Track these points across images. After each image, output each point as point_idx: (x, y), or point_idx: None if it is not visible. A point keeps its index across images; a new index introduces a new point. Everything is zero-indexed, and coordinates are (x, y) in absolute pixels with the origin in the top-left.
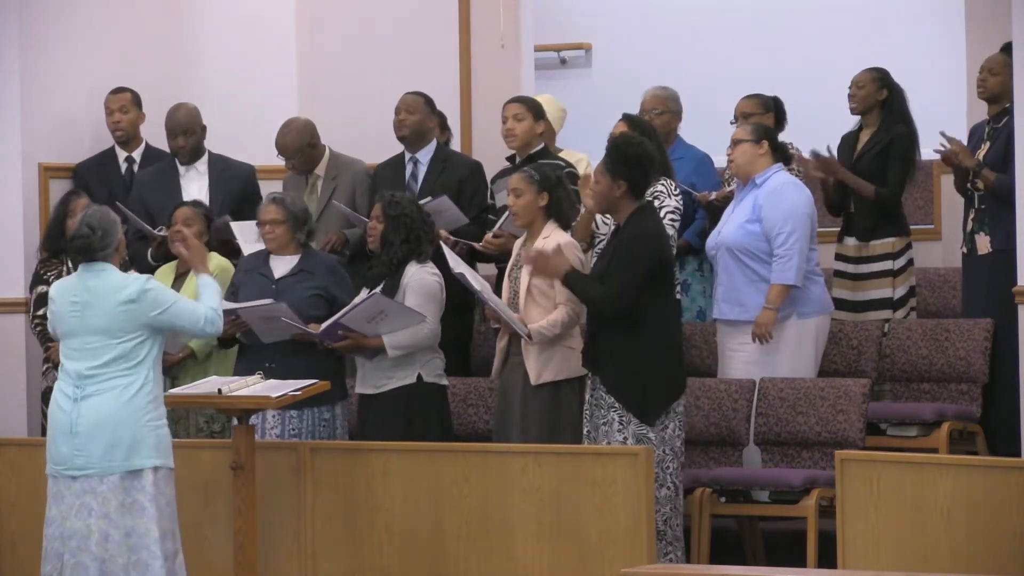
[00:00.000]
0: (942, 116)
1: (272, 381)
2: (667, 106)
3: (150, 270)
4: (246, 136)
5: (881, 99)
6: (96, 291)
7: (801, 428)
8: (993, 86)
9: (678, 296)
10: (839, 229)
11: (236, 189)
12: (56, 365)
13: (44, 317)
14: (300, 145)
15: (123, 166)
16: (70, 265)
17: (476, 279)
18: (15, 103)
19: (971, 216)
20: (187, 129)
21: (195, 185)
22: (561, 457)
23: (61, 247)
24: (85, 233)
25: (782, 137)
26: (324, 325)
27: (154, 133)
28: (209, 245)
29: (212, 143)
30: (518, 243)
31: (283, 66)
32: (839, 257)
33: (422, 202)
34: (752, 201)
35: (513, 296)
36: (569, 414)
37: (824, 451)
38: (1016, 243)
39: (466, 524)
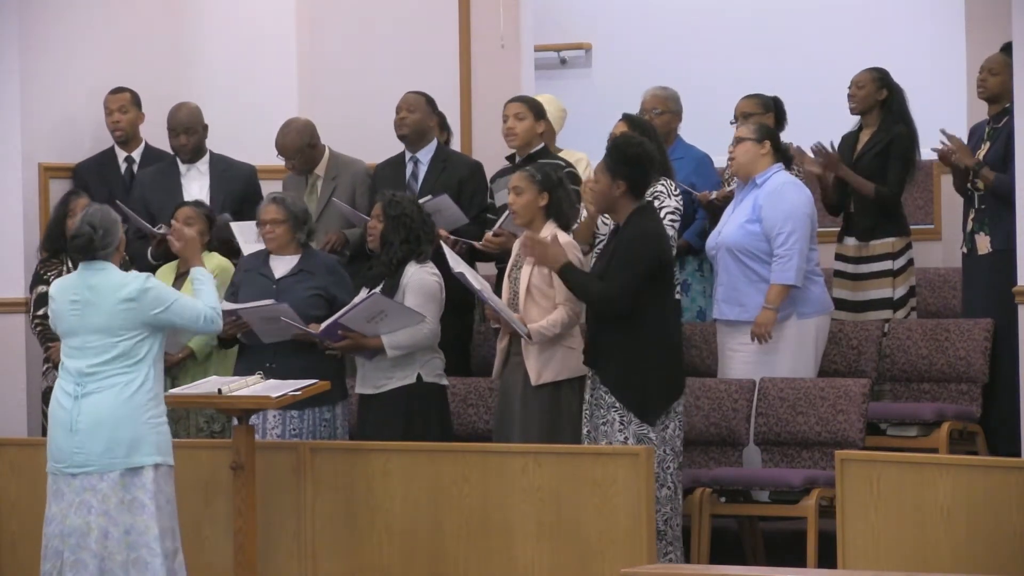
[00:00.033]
0: (942, 116)
1: (272, 381)
2: (667, 106)
3: (150, 269)
4: (246, 136)
5: (881, 99)
6: (96, 290)
7: (801, 428)
8: (993, 86)
9: (678, 296)
10: (839, 229)
11: (237, 189)
12: (56, 365)
13: (44, 317)
14: (300, 145)
15: (123, 166)
16: (70, 265)
17: (476, 279)
18: (15, 103)
19: (971, 216)
20: (189, 128)
21: (196, 185)
22: (561, 457)
23: (61, 247)
24: (86, 232)
25: (782, 137)
26: (324, 325)
27: (154, 133)
28: (210, 245)
29: (212, 143)
30: (518, 243)
31: (283, 66)
32: (839, 257)
33: (422, 201)
34: (752, 201)
35: (513, 296)
36: (569, 414)
37: (824, 451)
38: (1016, 243)
39: (466, 524)
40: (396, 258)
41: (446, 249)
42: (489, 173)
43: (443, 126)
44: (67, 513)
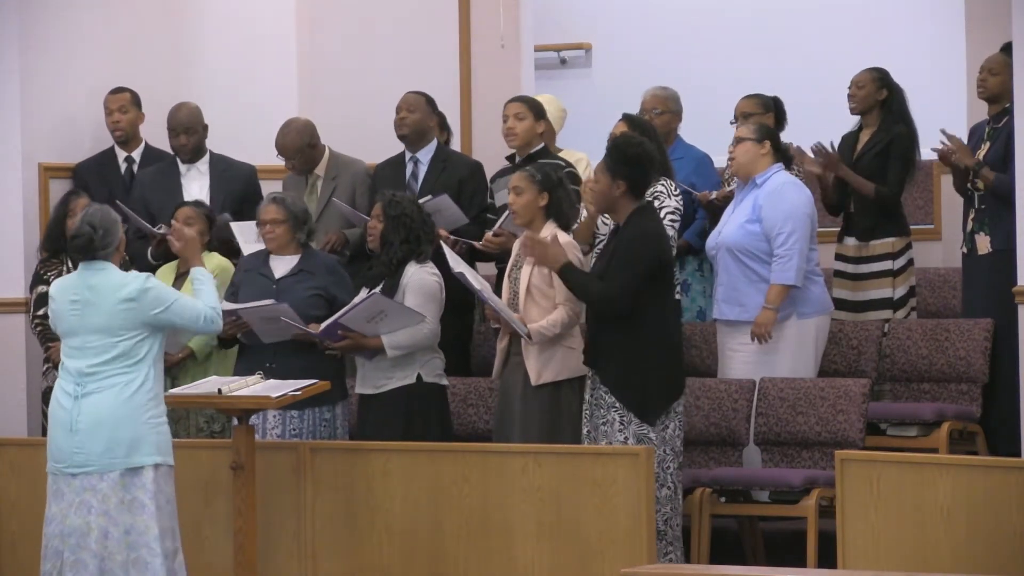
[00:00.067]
0: (942, 116)
1: (272, 381)
2: (667, 106)
3: (150, 269)
4: (246, 136)
5: (881, 99)
6: (96, 289)
7: (801, 428)
8: (993, 86)
9: (678, 296)
10: (839, 229)
11: (237, 189)
12: (56, 365)
13: (44, 317)
14: (300, 145)
15: (123, 166)
16: (70, 265)
17: (476, 279)
18: (15, 103)
19: (971, 216)
20: (189, 127)
21: (196, 185)
22: (561, 457)
23: (61, 247)
24: (86, 232)
25: (782, 137)
26: (323, 325)
27: (154, 133)
28: (210, 245)
29: (212, 143)
30: (518, 243)
31: (283, 66)
32: (839, 257)
33: (422, 201)
34: (752, 201)
35: (513, 296)
36: (569, 414)
37: (824, 451)
38: (1016, 243)
39: (466, 524)
40: (396, 258)
41: (446, 249)
42: (489, 173)
43: (443, 126)
44: (67, 513)
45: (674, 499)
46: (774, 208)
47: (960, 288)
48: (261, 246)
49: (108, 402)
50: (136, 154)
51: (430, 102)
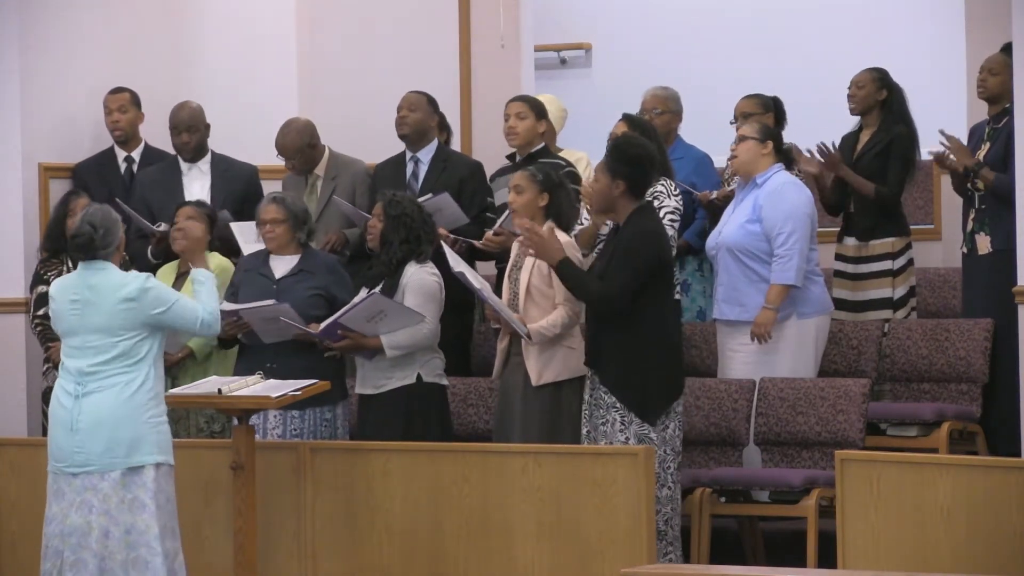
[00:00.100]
0: (942, 116)
1: (272, 381)
2: (667, 106)
3: (150, 268)
4: (246, 136)
5: (881, 99)
6: (96, 289)
7: (801, 428)
8: (993, 86)
9: (678, 296)
10: (839, 229)
11: (238, 189)
12: (56, 364)
13: (44, 317)
14: (300, 145)
15: (122, 166)
16: (70, 265)
17: (476, 278)
18: (15, 103)
19: (971, 216)
20: (191, 126)
21: (197, 184)
22: (561, 457)
23: (61, 247)
24: (87, 231)
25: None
26: (323, 325)
27: (154, 133)
28: (211, 244)
29: (212, 143)
30: (516, 243)
31: (283, 66)
32: (839, 257)
33: (422, 199)
34: (753, 201)
35: (513, 297)
36: (569, 414)
37: (824, 451)
38: (1016, 243)
39: (466, 524)
40: (396, 258)
41: (446, 249)
42: (489, 173)
43: (442, 126)
44: (67, 512)
45: (674, 499)
46: (774, 208)
47: (960, 288)
48: (261, 246)
49: (108, 401)
50: (136, 154)
51: (431, 102)
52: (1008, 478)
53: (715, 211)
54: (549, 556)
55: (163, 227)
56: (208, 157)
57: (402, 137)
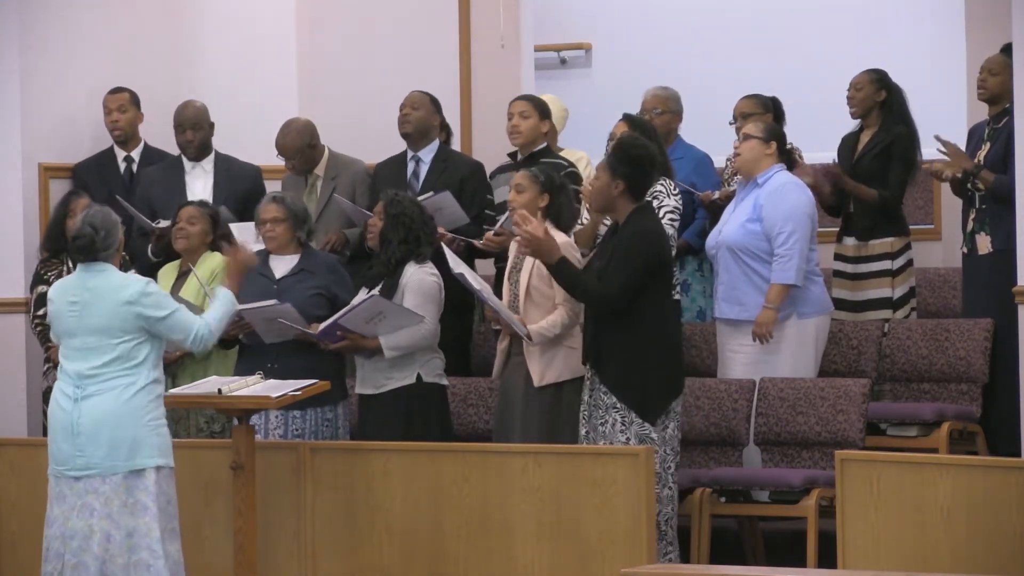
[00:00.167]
0: (942, 116)
1: (272, 381)
2: (667, 106)
3: (151, 266)
4: (246, 136)
5: (880, 100)
6: (96, 291)
7: (801, 428)
8: (993, 86)
9: (677, 296)
10: (838, 229)
11: (241, 189)
12: (57, 365)
13: (45, 317)
14: (300, 146)
15: (122, 166)
16: (70, 265)
17: (476, 279)
18: (15, 103)
19: (971, 216)
20: (196, 124)
21: (200, 183)
22: (561, 457)
23: (61, 247)
24: (87, 233)
25: None
26: (322, 326)
27: (153, 133)
28: (213, 244)
29: (212, 143)
30: (514, 243)
31: (283, 66)
32: (838, 257)
33: (422, 198)
34: (753, 200)
35: (513, 298)
36: (570, 414)
37: (824, 451)
38: (1016, 243)
39: (466, 524)
40: (395, 258)
41: (446, 250)
42: (488, 173)
43: (442, 126)
44: (69, 516)
45: (673, 499)
46: (775, 208)
47: (960, 288)
48: (260, 246)
49: (108, 404)
50: (135, 154)
51: (434, 102)
52: (1008, 478)
53: (716, 211)
54: (549, 556)
55: (162, 224)
56: (212, 156)
57: (404, 136)
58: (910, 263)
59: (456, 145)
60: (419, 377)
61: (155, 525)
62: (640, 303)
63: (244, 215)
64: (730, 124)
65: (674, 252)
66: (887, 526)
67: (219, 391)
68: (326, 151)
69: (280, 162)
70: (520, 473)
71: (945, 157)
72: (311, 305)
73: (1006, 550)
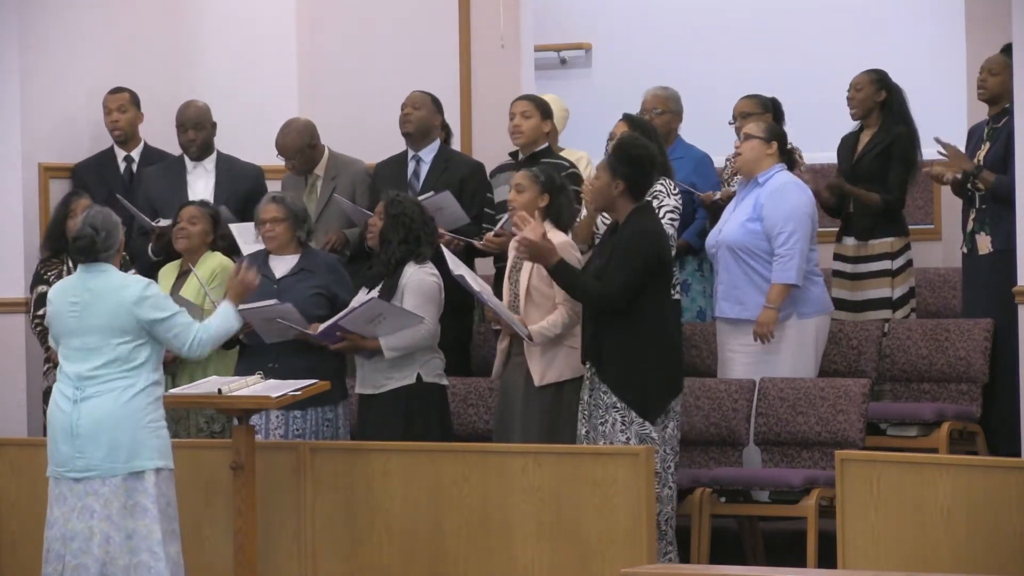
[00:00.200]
0: (942, 116)
1: (272, 381)
2: (667, 106)
3: (151, 266)
4: (246, 136)
5: (880, 100)
6: (97, 291)
7: (801, 428)
8: (993, 87)
9: (677, 296)
10: (838, 229)
11: (243, 189)
12: (57, 365)
13: (44, 317)
14: (300, 146)
15: (122, 166)
16: (71, 265)
17: (476, 281)
18: (15, 103)
19: (972, 216)
20: (198, 123)
21: (201, 183)
22: (561, 457)
23: (62, 247)
24: (88, 233)
25: None
26: (322, 327)
27: (153, 133)
28: (214, 244)
29: (214, 142)
30: (513, 243)
31: (283, 66)
32: (837, 257)
33: (423, 197)
34: (754, 200)
35: (514, 299)
36: (570, 414)
37: (824, 451)
38: (1016, 243)
39: (466, 524)
40: (395, 258)
41: (446, 252)
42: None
43: (442, 126)
44: (69, 517)
45: (672, 498)
46: (775, 207)
47: (960, 288)
48: (260, 247)
49: (107, 406)
50: (135, 154)
51: (435, 102)
52: (1008, 478)
53: (716, 211)
54: (549, 556)
55: (163, 223)
56: (213, 156)
57: (405, 135)
58: (910, 263)
59: (456, 145)
60: (419, 377)
61: (156, 527)
62: (640, 303)
63: (245, 215)
64: (730, 124)
65: (674, 252)
66: (887, 526)
67: (219, 391)
68: (326, 151)
69: (280, 162)
70: (520, 473)
71: (945, 158)
72: (311, 305)
73: (1006, 550)
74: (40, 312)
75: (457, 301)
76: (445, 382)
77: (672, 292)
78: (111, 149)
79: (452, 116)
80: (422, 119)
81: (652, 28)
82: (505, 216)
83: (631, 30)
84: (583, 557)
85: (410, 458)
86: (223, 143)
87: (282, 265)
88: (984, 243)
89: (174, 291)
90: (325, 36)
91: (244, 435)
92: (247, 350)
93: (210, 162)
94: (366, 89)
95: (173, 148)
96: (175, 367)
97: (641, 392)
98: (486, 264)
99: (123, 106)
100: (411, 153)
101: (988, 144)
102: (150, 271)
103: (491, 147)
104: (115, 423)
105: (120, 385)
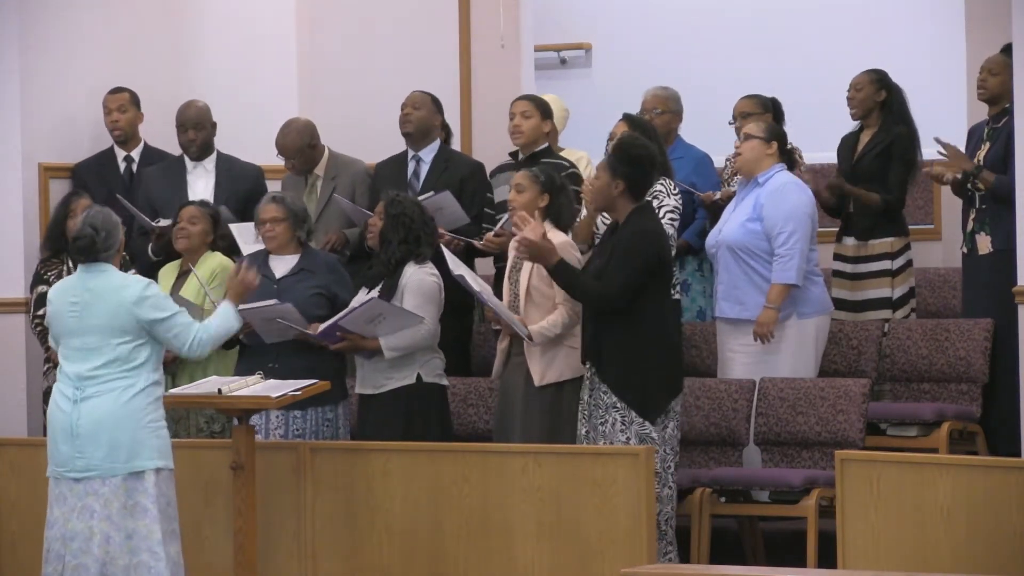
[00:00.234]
0: (942, 116)
1: (272, 381)
2: (667, 106)
3: (151, 265)
4: (246, 136)
5: (880, 100)
6: (97, 291)
7: (801, 428)
8: (993, 87)
9: (677, 296)
10: (838, 229)
11: (243, 189)
12: (57, 364)
13: (44, 317)
14: (300, 146)
15: (122, 166)
16: (71, 265)
17: (476, 281)
18: (15, 103)
19: (972, 216)
20: (198, 123)
21: (202, 183)
22: (561, 457)
23: (62, 247)
24: (88, 233)
25: None
26: (322, 327)
27: (153, 133)
28: (214, 244)
29: (215, 142)
30: (513, 243)
31: (283, 66)
32: (837, 257)
33: (423, 197)
34: (754, 200)
35: (514, 299)
36: (570, 414)
37: (824, 451)
38: (1016, 243)
39: (466, 524)
40: (394, 258)
41: (446, 252)
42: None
43: (442, 126)
44: (69, 517)
45: (673, 498)
46: (775, 207)
47: (960, 288)
48: (260, 247)
49: (107, 406)
50: (135, 154)
51: (436, 102)
52: (1008, 478)
53: (716, 211)
54: (549, 556)
55: (163, 223)
56: (213, 156)
57: (406, 135)
58: (910, 263)
59: (456, 145)
60: (419, 377)
61: (156, 527)
62: (640, 303)
63: (245, 215)
64: (730, 124)
65: (674, 252)
66: (887, 526)
67: (219, 391)
68: (326, 151)
69: (280, 162)
70: (520, 473)
71: (945, 158)
72: (311, 305)
73: (1006, 550)
74: (40, 312)
75: (457, 301)
76: (445, 382)
77: (672, 292)
78: (111, 149)
79: (452, 116)
80: (422, 119)
81: (652, 28)
82: (505, 216)
83: (631, 30)
84: (583, 557)
85: (410, 458)
86: (223, 143)
87: (282, 265)
88: (984, 243)
89: (174, 291)
90: (325, 36)
91: (244, 435)
92: (247, 350)
93: (210, 162)
94: (366, 89)
95: (173, 148)
96: (175, 367)
97: (641, 392)
98: (486, 264)
99: (123, 106)
100: (411, 153)
101: (988, 144)
102: (150, 271)
103: (491, 147)
104: (115, 423)
105: (120, 385)
